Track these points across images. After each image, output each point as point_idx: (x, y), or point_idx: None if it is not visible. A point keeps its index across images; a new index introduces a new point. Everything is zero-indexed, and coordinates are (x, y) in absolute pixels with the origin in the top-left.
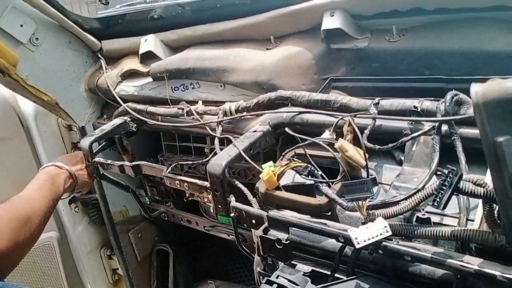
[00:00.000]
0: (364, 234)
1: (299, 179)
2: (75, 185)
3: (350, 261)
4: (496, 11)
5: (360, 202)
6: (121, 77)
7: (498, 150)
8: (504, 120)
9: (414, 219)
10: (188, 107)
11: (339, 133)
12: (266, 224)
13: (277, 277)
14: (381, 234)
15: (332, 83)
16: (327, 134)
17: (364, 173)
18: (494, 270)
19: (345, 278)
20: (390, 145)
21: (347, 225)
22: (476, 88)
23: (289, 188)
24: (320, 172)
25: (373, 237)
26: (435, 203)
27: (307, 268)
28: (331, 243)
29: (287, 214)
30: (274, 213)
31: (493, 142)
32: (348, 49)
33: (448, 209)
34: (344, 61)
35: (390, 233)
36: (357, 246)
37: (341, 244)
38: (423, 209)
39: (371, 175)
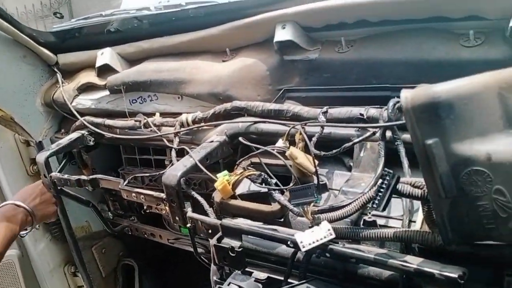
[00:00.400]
0: (309, 238)
1: (255, 187)
2: (33, 221)
3: (302, 265)
4: (436, 22)
5: (305, 207)
6: (78, 90)
7: (428, 152)
8: (431, 124)
9: (362, 222)
10: (145, 119)
11: (292, 142)
12: (220, 233)
13: (228, 285)
14: (325, 237)
15: (286, 93)
16: (280, 143)
17: (315, 180)
18: (433, 268)
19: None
20: (334, 151)
21: (297, 230)
22: (405, 94)
23: (245, 196)
24: (274, 180)
25: (317, 240)
26: (374, 205)
27: (263, 275)
28: (285, 249)
29: (240, 222)
30: (227, 221)
31: (423, 145)
32: (300, 60)
33: (394, 211)
34: (297, 72)
35: (333, 235)
36: (303, 250)
37: (294, 249)
38: (369, 212)
39: (322, 181)
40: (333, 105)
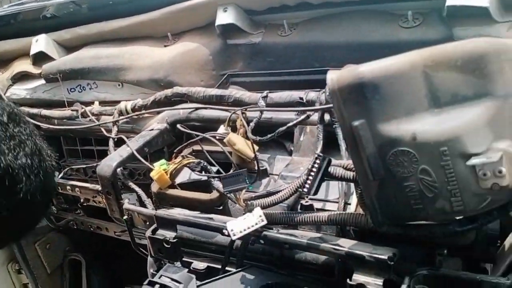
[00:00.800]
0: (241, 225)
1: (195, 176)
2: None
3: (239, 253)
4: (376, 4)
5: (237, 194)
6: (12, 80)
7: (355, 133)
8: (357, 104)
9: (299, 206)
10: (82, 108)
11: (234, 128)
12: (155, 224)
13: (160, 277)
14: (256, 224)
15: (230, 78)
16: (222, 129)
17: (256, 165)
18: (363, 251)
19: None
20: (269, 135)
21: (233, 218)
22: (331, 75)
23: (185, 185)
24: (216, 168)
25: (248, 228)
26: (305, 190)
27: (202, 265)
28: (223, 238)
29: (175, 212)
30: (161, 212)
31: (350, 126)
32: (243, 44)
33: (331, 194)
34: (241, 56)
35: (265, 222)
36: (233, 238)
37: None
38: (306, 196)
39: (262, 166)
40: (276, 89)
